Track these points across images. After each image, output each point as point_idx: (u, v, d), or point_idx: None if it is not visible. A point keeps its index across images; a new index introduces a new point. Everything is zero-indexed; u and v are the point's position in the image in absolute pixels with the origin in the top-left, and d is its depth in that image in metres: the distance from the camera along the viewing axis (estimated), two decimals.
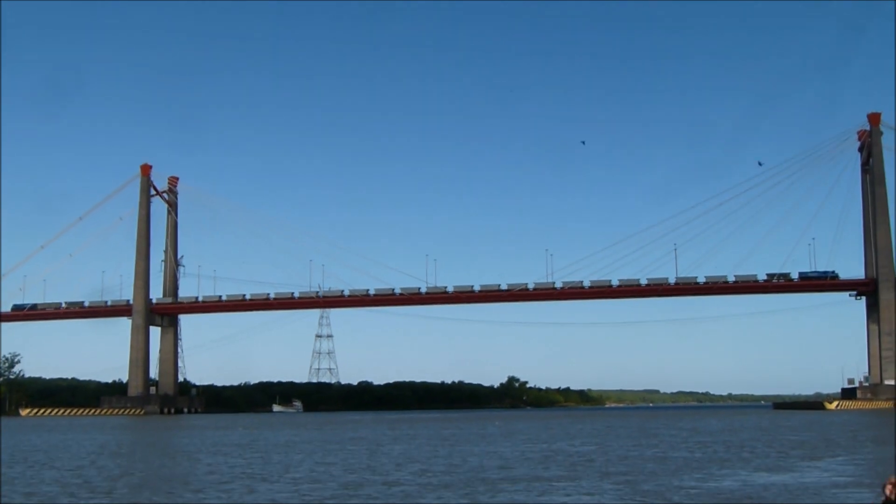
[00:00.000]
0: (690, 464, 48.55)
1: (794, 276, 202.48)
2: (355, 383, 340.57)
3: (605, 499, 33.98)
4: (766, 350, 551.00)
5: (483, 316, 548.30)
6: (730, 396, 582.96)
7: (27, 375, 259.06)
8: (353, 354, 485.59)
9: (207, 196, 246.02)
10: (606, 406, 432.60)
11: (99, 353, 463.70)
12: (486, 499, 34.21)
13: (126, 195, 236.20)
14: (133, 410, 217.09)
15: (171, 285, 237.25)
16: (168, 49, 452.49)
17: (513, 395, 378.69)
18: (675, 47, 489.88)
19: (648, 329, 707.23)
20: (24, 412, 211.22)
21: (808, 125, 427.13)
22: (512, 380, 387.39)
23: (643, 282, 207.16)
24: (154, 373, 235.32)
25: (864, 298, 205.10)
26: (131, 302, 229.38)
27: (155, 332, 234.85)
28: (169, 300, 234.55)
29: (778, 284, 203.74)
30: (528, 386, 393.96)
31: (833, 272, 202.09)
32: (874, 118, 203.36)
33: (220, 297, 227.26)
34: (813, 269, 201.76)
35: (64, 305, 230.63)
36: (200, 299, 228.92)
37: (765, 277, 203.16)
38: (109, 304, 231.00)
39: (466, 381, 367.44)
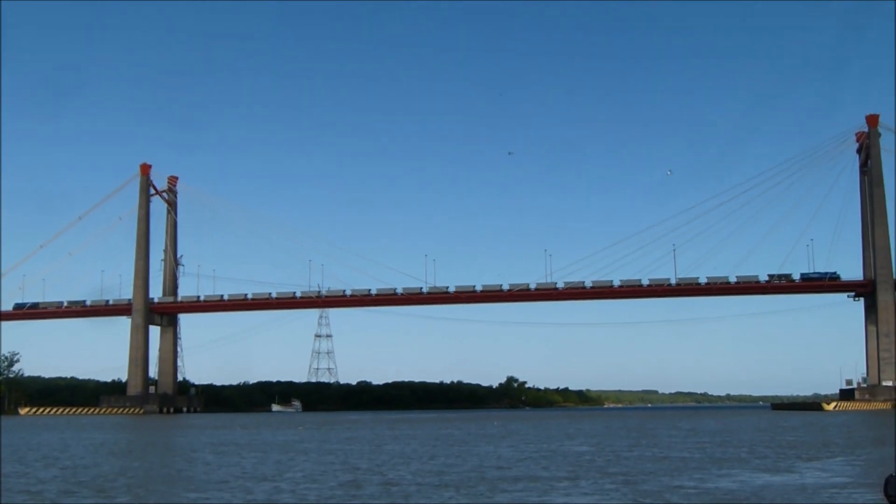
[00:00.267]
0: (689, 464, 48.74)
1: (796, 276, 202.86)
2: (354, 383, 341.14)
3: (605, 499, 34.15)
4: (764, 351, 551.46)
5: (482, 316, 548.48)
6: (728, 397, 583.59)
7: (26, 374, 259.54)
8: (353, 354, 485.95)
9: (207, 196, 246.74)
10: (605, 406, 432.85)
11: (98, 353, 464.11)
12: (486, 499, 34.36)
13: (125, 195, 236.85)
14: (132, 410, 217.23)
15: (171, 285, 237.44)
16: (168, 49, 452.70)
17: (511, 396, 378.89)
18: (675, 47, 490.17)
19: (647, 330, 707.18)
20: (23, 411, 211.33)
21: (808, 126, 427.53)
22: (511, 380, 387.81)
23: (644, 282, 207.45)
24: (153, 372, 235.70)
25: (862, 299, 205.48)
26: (132, 301, 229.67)
27: (154, 332, 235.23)
28: (169, 300, 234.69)
29: (779, 285, 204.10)
30: (526, 386, 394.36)
31: (834, 273, 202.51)
32: (872, 119, 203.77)
33: (222, 296, 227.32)
34: (814, 270, 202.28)
35: (65, 304, 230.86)
36: (202, 298, 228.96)
37: (766, 278, 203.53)
38: (111, 303, 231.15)
39: (465, 381, 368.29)
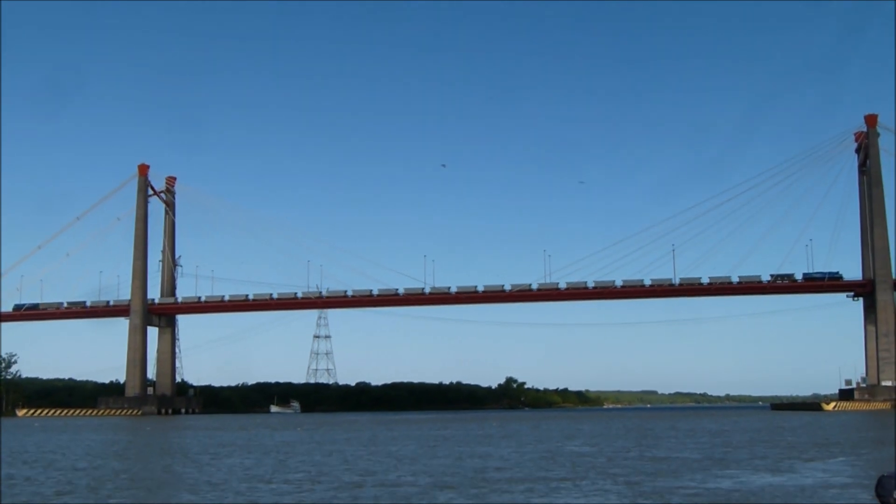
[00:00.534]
0: (689, 465, 48.55)
1: (798, 276, 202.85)
2: (353, 384, 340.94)
3: (605, 499, 33.96)
4: (763, 351, 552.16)
5: (481, 317, 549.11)
6: (727, 397, 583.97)
7: (24, 376, 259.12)
8: (351, 355, 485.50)
9: (205, 196, 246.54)
10: (604, 407, 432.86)
11: (96, 354, 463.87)
12: (485, 500, 34.17)
13: (124, 195, 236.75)
14: (130, 411, 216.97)
15: (169, 285, 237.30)
16: (166, 49, 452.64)
17: (511, 396, 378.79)
18: (675, 47, 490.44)
19: (646, 330, 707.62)
20: (20, 412, 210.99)
21: (808, 126, 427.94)
22: (510, 380, 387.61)
23: (647, 282, 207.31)
24: (151, 373, 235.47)
25: (861, 299, 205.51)
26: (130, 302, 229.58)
27: (153, 333, 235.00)
28: (168, 300, 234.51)
29: (782, 285, 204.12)
30: (525, 387, 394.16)
31: (837, 273, 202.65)
32: (871, 120, 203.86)
33: (223, 297, 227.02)
34: (816, 270, 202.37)
35: (66, 305, 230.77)
36: (203, 299, 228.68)
37: (768, 278, 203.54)
38: (111, 303, 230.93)
39: (464, 381, 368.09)
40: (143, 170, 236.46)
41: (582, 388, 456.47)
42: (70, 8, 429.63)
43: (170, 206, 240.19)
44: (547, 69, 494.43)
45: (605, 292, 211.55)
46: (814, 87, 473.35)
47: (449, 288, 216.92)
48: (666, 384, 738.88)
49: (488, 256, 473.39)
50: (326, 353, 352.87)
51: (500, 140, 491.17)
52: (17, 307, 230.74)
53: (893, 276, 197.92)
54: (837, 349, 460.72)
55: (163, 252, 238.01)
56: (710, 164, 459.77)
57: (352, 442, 77.02)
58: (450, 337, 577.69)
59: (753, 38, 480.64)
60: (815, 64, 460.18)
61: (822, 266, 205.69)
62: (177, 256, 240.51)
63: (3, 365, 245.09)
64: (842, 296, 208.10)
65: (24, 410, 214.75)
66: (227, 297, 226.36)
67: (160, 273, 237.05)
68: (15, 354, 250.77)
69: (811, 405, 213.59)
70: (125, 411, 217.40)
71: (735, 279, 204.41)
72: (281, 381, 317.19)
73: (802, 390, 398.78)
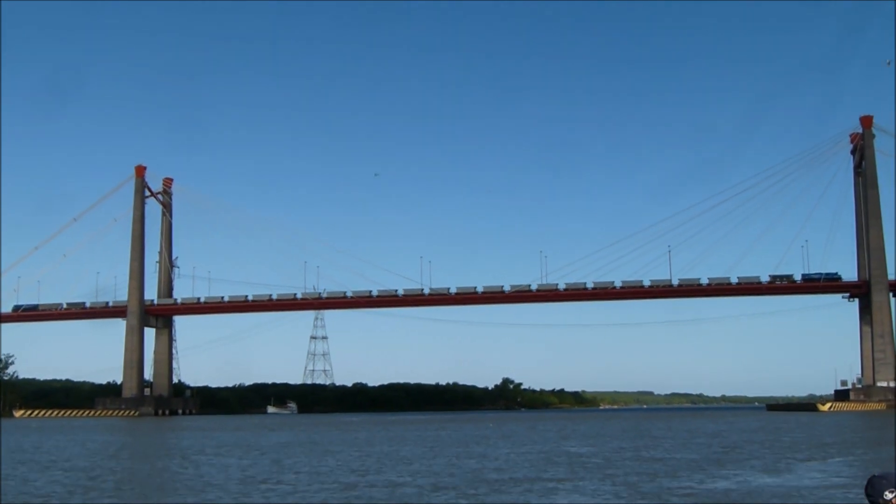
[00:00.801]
0: (687, 465, 48.86)
1: (797, 277, 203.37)
2: (350, 385, 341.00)
3: (604, 500, 34.27)
4: (759, 352, 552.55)
5: (477, 317, 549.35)
6: (723, 398, 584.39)
7: (21, 377, 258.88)
8: (348, 356, 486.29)
9: (202, 197, 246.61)
10: (600, 408, 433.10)
11: (93, 355, 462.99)
12: (484, 500, 34.47)
13: (121, 196, 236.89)
14: (127, 412, 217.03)
15: (166, 286, 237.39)
16: (163, 50, 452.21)
17: (507, 397, 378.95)
18: (674, 48, 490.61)
19: (643, 331, 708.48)
20: (17, 413, 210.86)
21: (808, 126, 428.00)
22: (506, 381, 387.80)
23: (646, 283, 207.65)
24: (149, 374, 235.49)
25: (856, 300, 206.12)
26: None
27: (150, 334, 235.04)
28: (169, 302, 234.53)
29: (781, 286, 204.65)
30: (522, 387, 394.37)
31: (836, 273, 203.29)
32: (866, 121, 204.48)
33: (223, 297, 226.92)
34: (813, 271, 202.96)
35: (65, 306, 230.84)
36: (203, 300, 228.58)
37: (767, 279, 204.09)
38: (110, 304, 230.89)
39: (461, 382, 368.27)
40: (140, 171, 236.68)
41: (578, 389, 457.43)
42: (70, 8, 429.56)
43: (167, 208, 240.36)
44: (545, 69, 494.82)
45: (604, 293, 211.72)
46: (814, 88, 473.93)
47: (448, 289, 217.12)
48: (662, 385, 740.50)
49: (485, 257, 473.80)
50: (323, 354, 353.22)
51: (499, 140, 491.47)
52: (17, 308, 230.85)
53: (889, 277, 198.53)
54: (833, 350, 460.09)
55: (160, 253, 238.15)
56: (710, 164, 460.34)
57: (349, 443, 77.24)
58: (446, 338, 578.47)
59: (753, 38, 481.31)
60: (815, 64, 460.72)
61: (817, 267, 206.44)
62: (174, 257, 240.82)
63: (1, 366, 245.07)
64: (838, 297, 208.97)
65: (22, 411, 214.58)
66: (227, 298, 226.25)
67: (157, 274, 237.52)
68: (12, 355, 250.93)
69: (807, 406, 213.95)
70: (122, 412, 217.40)
71: (734, 280, 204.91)
72: (278, 381, 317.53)
73: (798, 391, 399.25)
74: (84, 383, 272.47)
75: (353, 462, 53.71)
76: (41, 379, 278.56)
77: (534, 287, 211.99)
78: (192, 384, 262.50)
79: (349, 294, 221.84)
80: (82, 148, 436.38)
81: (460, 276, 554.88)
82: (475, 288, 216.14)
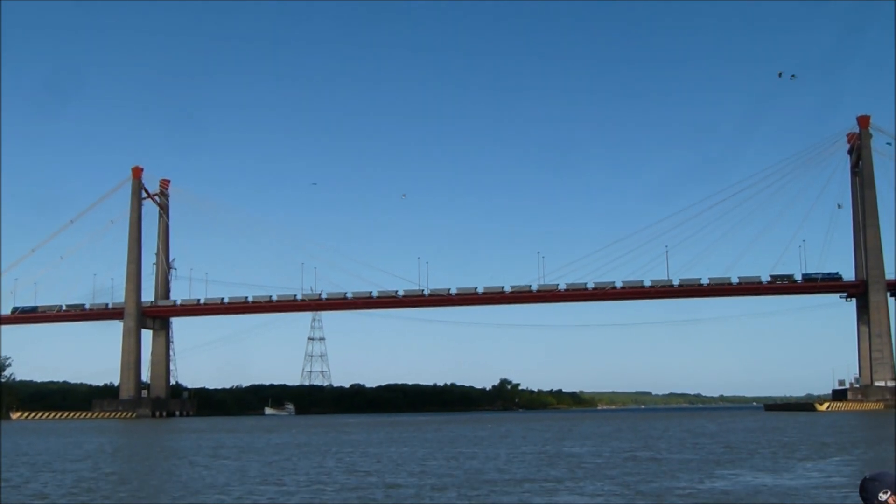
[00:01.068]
0: (686, 465, 48.82)
1: (798, 277, 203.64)
2: (347, 386, 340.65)
3: (603, 500, 34.22)
4: (757, 352, 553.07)
5: (475, 318, 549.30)
6: (721, 398, 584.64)
7: (18, 379, 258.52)
8: (346, 357, 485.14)
9: (199, 199, 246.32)
10: (598, 408, 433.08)
11: (91, 356, 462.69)
12: (484, 500, 34.39)
13: (118, 198, 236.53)
14: (124, 414, 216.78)
15: (163, 288, 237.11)
16: (160, 51, 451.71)
17: (505, 398, 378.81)
18: (673, 48, 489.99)
19: (641, 331, 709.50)
20: (14, 415, 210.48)
21: (808, 126, 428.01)
22: (504, 382, 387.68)
23: (646, 283, 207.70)
24: (146, 376, 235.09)
25: (854, 300, 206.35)
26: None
27: (147, 335, 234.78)
28: (169, 303, 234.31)
29: (781, 286, 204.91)
30: (520, 388, 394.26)
31: (837, 273, 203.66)
32: (863, 121, 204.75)
33: (223, 299, 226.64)
34: (812, 271, 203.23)
35: (65, 308, 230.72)
36: (203, 301, 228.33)
37: (768, 279, 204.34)
38: (110, 306, 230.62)
39: (458, 383, 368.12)
40: (137, 172, 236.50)
41: (576, 390, 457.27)
42: (70, 8, 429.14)
43: (164, 209, 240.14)
44: (545, 69, 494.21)
45: (604, 293, 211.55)
46: (814, 88, 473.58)
47: (448, 289, 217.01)
48: (660, 385, 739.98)
49: (483, 258, 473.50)
50: (321, 355, 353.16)
51: (498, 140, 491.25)
52: (15, 310, 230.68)
53: (886, 277, 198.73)
54: (831, 350, 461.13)
55: (157, 255, 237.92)
56: (710, 164, 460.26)
57: (347, 444, 77.14)
58: (444, 338, 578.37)
59: (753, 38, 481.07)
60: (815, 64, 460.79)
61: (815, 267, 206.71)
62: (171, 259, 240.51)
63: None
64: (835, 297, 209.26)
65: (19, 413, 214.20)
66: (227, 300, 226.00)
67: (154, 276, 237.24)
68: (9, 357, 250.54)
69: (804, 405, 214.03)
70: (119, 414, 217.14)
71: (735, 280, 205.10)
72: (275, 383, 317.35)
73: (796, 391, 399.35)
74: (81, 385, 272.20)
75: (351, 463, 53.61)
76: (38, 381, 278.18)
77: (534, 287, 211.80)
78: (189, 386, 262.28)
79: (349, 295, 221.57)
80: (79, 149, 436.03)
81: (458, 277, 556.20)
82: (475, 289, 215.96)
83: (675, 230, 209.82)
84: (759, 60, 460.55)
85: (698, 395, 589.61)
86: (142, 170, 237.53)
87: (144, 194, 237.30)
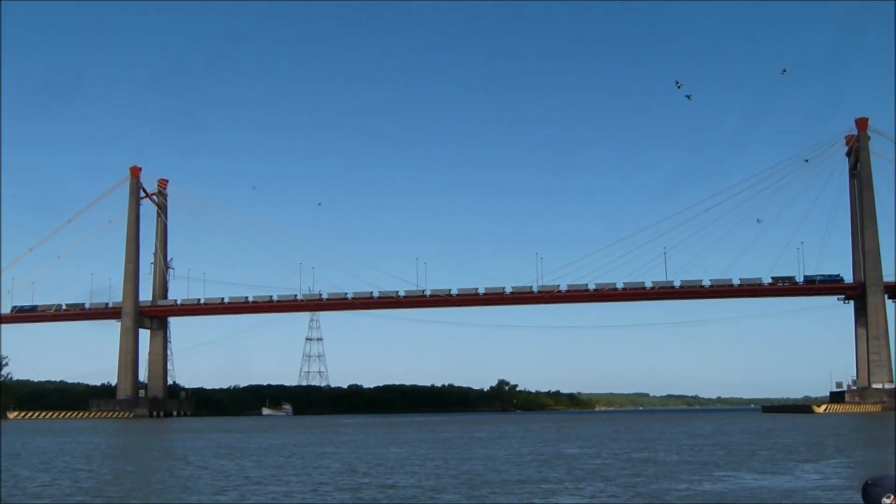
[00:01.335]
0: (683, 467, 48.77)
1: (800, 279, 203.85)
2: (345, 386, 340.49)
3: (603, 501, 34.16)
4: (754, 353, 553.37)
5: (473, 319, 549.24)
6: (719, 400, 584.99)
7: (15, 378, 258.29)
8: (343, 357, 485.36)
9: (197, 198, 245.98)
10: (596, 409, 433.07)
11: (88, 356, 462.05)
12: (486, 501, 34.31)
13: (116, 197, 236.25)
14: (122, 414, 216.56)
15: (161, 288, 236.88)
16: (159, 51, 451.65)
17: (503, 399, 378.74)
18: (672, 49, 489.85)
19: (638, 332, 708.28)
20: (11, 415, 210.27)
21: (807, 127, 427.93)
22: (502, 383, 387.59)
23: (647, 284, 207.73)
24: (143, 376, 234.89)
25: (852, 302, 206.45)
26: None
27: (144, 335, 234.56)
28: (169, 302, 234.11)
29: (782, 288, 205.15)
30: (517, 389, 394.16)
31: (838, 275, 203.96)
32: (862, 123, 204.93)
33: (223, 299, 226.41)
34: (816, 273, 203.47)
35: (64, 307, 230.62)
36: (203, 301, 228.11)
37: (769, 280, 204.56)
38: (110, 305, 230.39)
39: (456, 384, 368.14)
40: (135, 172, 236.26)
41: (574, 391, 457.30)
42: (69, 8, 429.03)
43: (161, 209, 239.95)
44: (544, 69, 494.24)
45: (606, 294, 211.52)
46: (813, 88, 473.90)
47: (450, 290, 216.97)
48: (658, 387, 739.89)
49: (480, 259, 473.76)
50: (318, 356, 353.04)
51: (496, 141, 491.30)
52: (15, 309, 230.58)
53: (884, 279, 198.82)
54: (828, 352, 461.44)
55: (154, 254, 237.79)
56: (710, 165, 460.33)
57: (345, 444, 77.04)
58: (442, 339, 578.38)
59: (752, 38, 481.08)
60: (815, 65, 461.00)
61: (812, 269, 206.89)
62: (168, 259, 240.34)
63: None
64: (833, 298, 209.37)
65: (15, 413, 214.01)
66: (227, 300, 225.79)
67: (152, 276, 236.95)
68: (6, 357, 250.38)
69: (802, 407, 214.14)
70: (116, 414, 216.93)
71: (736, 281, 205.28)
72: (273, 383, 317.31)
73: (793, 393, 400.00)
74: (78, 385, 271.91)
75: (350, 464, 53.51)
76: (35, 380, 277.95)
77: (535, 288, 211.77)
78: (187, 386, 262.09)
79: (350, 295, 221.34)
80: (78, 148, 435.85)
81: (456, 277, 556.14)
82: (476, 289, 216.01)
83: (673, 231, 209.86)
84: (758, 61, 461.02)
85: (696, 397, 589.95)
86: (140, 169, 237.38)
87: (142, 194, 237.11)
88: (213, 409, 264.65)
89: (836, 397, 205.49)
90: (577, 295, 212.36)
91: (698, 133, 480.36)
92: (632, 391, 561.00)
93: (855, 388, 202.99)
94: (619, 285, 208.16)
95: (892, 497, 7.64)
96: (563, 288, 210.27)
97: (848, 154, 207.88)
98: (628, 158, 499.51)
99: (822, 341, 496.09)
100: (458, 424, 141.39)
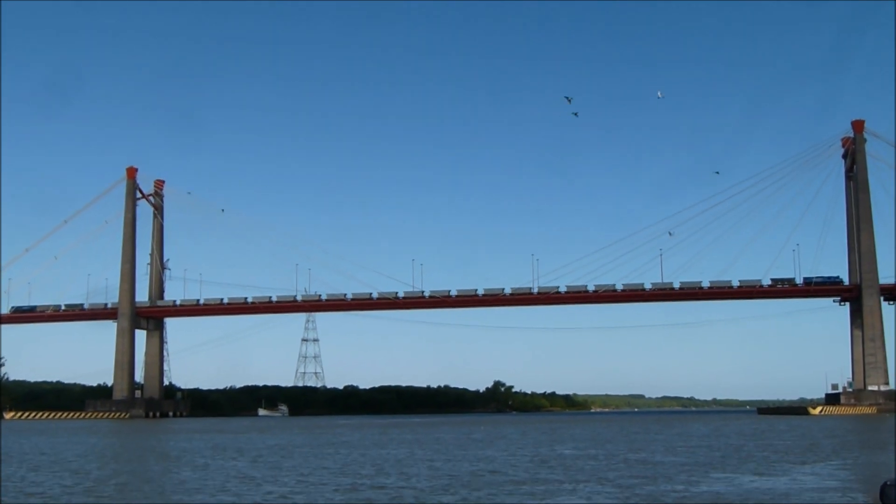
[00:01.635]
0: (679, 468, 48.89)
1: (799, 281, 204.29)
2: (341, 387, 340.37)
3: (601, 501, 34.28)
4: (750, 355, 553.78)
5: (469, 320, 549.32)
6: (714, 401, 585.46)
7: (11, 378, 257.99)
8: (339, 358, 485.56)
9: (193, 199, 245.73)
10: (592, 411, 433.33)
11: (84, 357, 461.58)
12: (483, 502, 34.42)
13: (112, 198, 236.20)
14: (118, 414, 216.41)
15: (157, 289, 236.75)
16: (157, 52, 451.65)
17: (498, 400, 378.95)
18: (671, 49, 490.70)
19: (634, 334, 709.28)
20: (7, 415, 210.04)
21: (807, 128, 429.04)
22: (498, 384, 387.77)
23: (647, 286, 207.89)
24: (139, 376, 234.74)
25: (847, 304, 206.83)
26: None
27: (141, 336, 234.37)
28: (168, 303, 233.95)
29: (782, 289, 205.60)
30: (513, 391, 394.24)
31: (837, 277, 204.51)
32: (858, 125, 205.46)
33: (222, 299, 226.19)
34: (816, 275, 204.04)
35: (63, 307, 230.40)
36: (202, 302, 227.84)
37: (769, 282, 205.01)
38: (109, 306, 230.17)
39: (452, 385, 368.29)
40: (132, 172, 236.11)
41: (570, 392, 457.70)
42: (69, 8, 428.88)
43: (158, 210, 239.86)
44: (544, 70, 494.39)
45: (605, 296, 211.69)
46: (813, 89, 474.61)
47: (449, 291, 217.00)
48: (653, 388, 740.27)
49: (478, 260, 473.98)
50: (315, 357, 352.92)
51: (495, 142, 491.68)
52: (15, 309, 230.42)
53: (880, 282, 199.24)
54: (824, 354, 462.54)
55: (151, 255, 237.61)
56: (709, 166, 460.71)
57: (342, 445, 77.08)
58: (438, 340, 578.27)
59: (753, 39, 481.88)
60: (815, 65, 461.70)
61: (808, 270, 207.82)
62: (165, 259, 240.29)
63: None
64: (829, 300, 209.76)
65: (12, 413, 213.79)
66: (226, 300, 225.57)
67: (148, 276, 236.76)
68: (3, 357, 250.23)
69: (798, 409, 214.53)
70: (112, 414, 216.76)
71: (735, 283, 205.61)
72: (269, 384, 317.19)
73: (789, 394, 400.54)
74: (75, 385, 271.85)
75: (347, 465, 53.57)
76: (32, 381, 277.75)
77: (534, 290, 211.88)
78: (183, 386, 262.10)
79: (349, 296, 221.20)
80: (75, 149, 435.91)
81: (452, 278, 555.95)
82: (476, 290, 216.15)
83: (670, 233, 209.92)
84: (757, 62, 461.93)
85: (692, 399, 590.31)
86: (136, 170, 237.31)
87: (139, 195, 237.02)
88: (209, 409, 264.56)
89: (832, 399, 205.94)
90: (577, 296, 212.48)
91: (699, 134, 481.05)
92: (627, 392, 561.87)
93: (851, 389, 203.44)
94: (619, 287, 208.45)
95: None
96: (563, 289, 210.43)
97: (844, 156, 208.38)
98: (630, 159, 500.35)
99: (818, 343, 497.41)
100: (455, 425, 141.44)
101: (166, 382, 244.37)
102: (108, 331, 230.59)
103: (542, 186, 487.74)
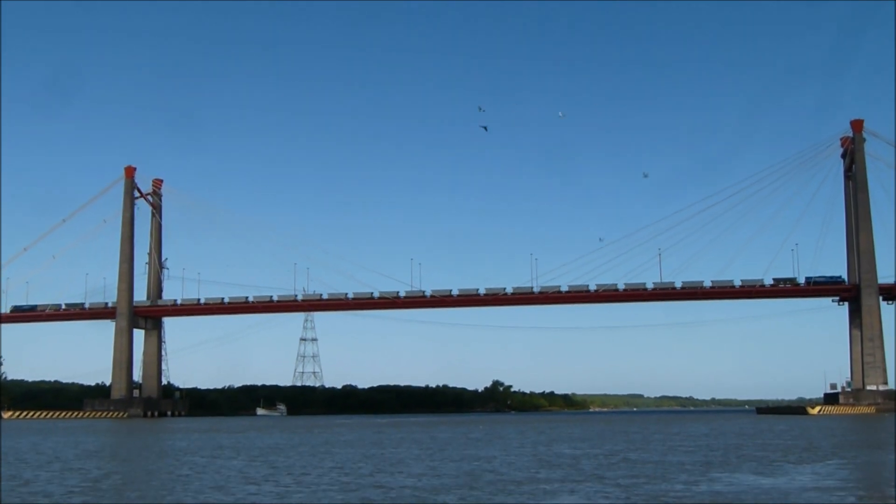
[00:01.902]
0: (678, 468, 48.82)
1: (801, 280, 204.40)
2: (340, 387, 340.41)
3: (600, 501, 34.20)
4: (749, 355, 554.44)
5: (467, 320, 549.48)
6: (713, 401, 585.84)
7: (9, 378, 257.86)
8: (338, 358, 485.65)
9: (192, 199, 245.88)
10: (590, 410, 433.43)
11: (83, 356, 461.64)
12: (481, 502, 34.33)
13: (111, 197, 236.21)
14: (116, 414, 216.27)
15: (155, 288, 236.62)
16: (155, 52, 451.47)
17: (497, 400, 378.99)
18: (671, 50, 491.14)
19: (632, 334, 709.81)
20: (6, 415, 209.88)
21: (806, 128, 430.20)
22: (496, 384, 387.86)
23: (649, 285, 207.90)
24: (138, 376, 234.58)
25: (846, 304, 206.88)
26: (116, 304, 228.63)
27: (139, 335, 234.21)
28: (169, 302, 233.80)
29: (783, 289, 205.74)
30: (512, 390, 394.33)
31: (840, 277, 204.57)
32: (857, 125, 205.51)
33: (223, 299, 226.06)
34: (817, 275, 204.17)
35: (64, 307, 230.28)
36: (203, 301, 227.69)
37: (771, 282, 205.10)
38: (109, 305, 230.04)
39: (451, 385, 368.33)
40: (130, 172, 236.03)
41: (568, 392, 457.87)
42: (70, 8, 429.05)
43: (156, 209, 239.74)
44: (543, 70, 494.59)
45: (607, 295, 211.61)
46: (812, 89, 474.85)
47: (450, 291, 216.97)
48: (652, 388, 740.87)
49: (475, 260, 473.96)
50: (313, 356, 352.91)
51: (495, 142, 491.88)
52: (15, 308, 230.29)
53: (878, 281, 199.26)
54: (823, 354, 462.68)
55: (149, 255, 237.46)
56: (709, 166, 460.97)
57: (341, 445, 76.99)
58: (436, 340, 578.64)
59: (752, 39, 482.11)
60: (815, 65, 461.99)
61: (807, 270, 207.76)
62: (163, 259, 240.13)
63: None
64: (827, 300, 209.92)
65: (10, 413, 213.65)
66: (226, 300, 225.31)
67: (146, 276, 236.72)
68: (1, 357, 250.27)
69: (796, 409, 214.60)
70: (111, 414, 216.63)
71: (737, 282, 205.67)
72: (268, 383, 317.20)
73: (788, 394, 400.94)
74: (73, 385, 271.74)
75: (347, 464, 53.48)
76: (30, 380, 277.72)
77: (536, 289, 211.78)
78: (181, 386, 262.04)
79: (350, 296, 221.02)
80: (74, 148, 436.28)
81: (451, 278, 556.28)
82: (477, 290, 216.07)
83: (669, 232, 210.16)
84: (757, 63, 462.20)
85: (690, 398, 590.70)
86: (135, 169, 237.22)
87: (137, 194, 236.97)
88: (207, 409, 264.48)
89: (831, 399, 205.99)
90: (578, 296, 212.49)
91: (698, 134, 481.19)
92: (626, 392, 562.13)
93: (849, 389, 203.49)
94: (621, 286, 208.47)
95: None
96: (564, 289, 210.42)
97: (843, 156, 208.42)
98: (629, 159, 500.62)
99: (817, 343, 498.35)
100: (454, 425, 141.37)
101: (164, 382, 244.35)
102: (106, 330, 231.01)
103: (542, 186, 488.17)
